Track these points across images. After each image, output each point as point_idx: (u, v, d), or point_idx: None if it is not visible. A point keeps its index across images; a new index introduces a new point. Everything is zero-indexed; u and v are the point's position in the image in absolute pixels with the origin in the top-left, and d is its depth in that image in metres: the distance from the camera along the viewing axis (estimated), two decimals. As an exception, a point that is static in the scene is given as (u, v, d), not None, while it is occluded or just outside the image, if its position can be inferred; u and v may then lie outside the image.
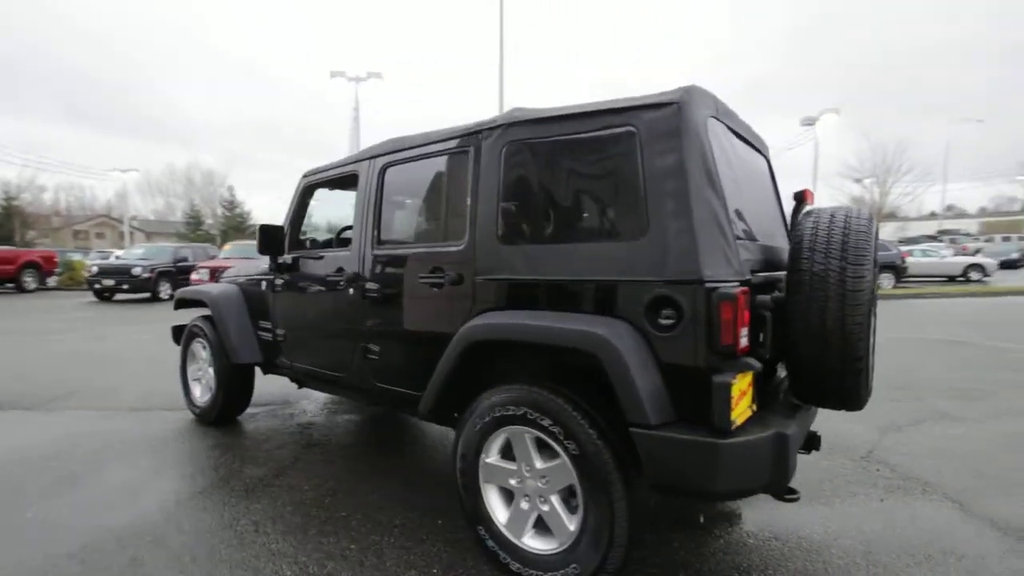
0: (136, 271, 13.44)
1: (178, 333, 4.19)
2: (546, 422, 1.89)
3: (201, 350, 3.95)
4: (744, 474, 1.63)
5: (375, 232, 2.69)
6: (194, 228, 37.48)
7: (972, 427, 3.81)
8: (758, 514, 2.56)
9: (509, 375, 2.12)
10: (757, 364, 1.69)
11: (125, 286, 13.50)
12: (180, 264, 14.18)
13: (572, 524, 1.90)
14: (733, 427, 1.61)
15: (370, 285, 2.67)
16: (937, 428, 3.79)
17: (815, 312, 1.76)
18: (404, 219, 2.80)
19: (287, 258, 3.26)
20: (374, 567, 2.11)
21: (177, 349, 4.16)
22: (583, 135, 1.98)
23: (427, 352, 2.37)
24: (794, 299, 1.80)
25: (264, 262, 3.73)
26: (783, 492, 1.82)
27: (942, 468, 3.08)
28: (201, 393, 3.96)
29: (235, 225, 37.81)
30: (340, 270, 2.87)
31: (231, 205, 39.76)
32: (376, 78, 19.14)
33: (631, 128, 1.86)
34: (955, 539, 2.32)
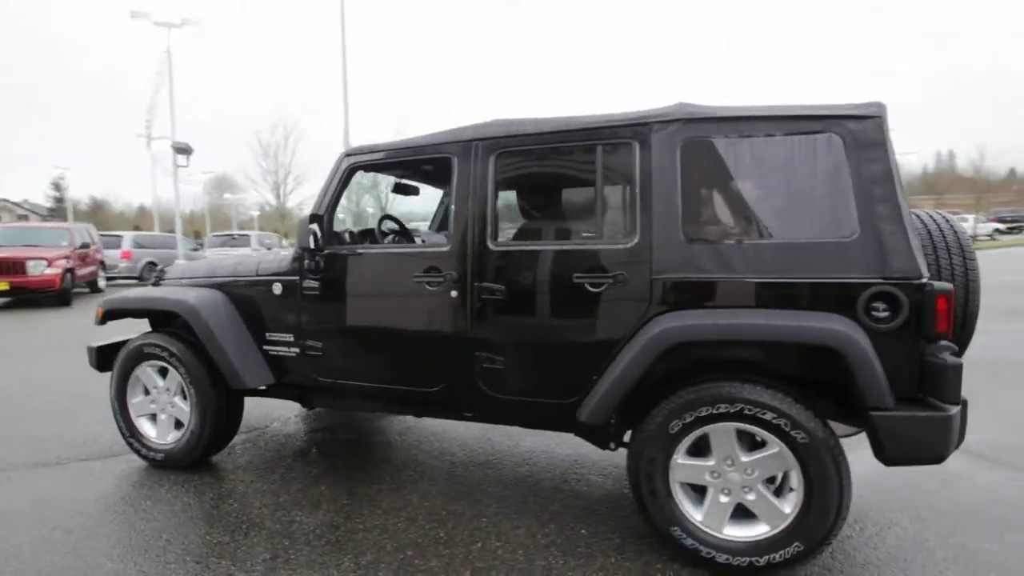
0: None
1: (107, 356, 3.11)
2: (768, 416, 1.97)
3: (157, 377, 3.00)
4: (959, 438, 1.95)
5: (491, 227, 2.38)
6: None
7: None
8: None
9: (678, 376, 2.14)
10: (955, 346, 2.01)
11: None
12: None
13: (787, 507, 2.03)
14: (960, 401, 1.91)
15: (488, 286, 2.37)
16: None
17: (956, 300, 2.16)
18: (531, 213, 2.52)
19: (331, 253, 2.67)
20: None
21: (100, 378, 3.09)
22: (774, 137, 2.06)
23: (579, 358, 2.24)
24: None
25: (249, 258, 3.00)
26: None
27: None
28: (163, 432, 3.01)
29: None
30: (434, 270, 2.47)
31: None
32: (193, 26, 15.92)
33: (835, 135, 2.01)
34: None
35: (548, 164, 2.37)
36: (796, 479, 2.00)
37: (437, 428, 3.67)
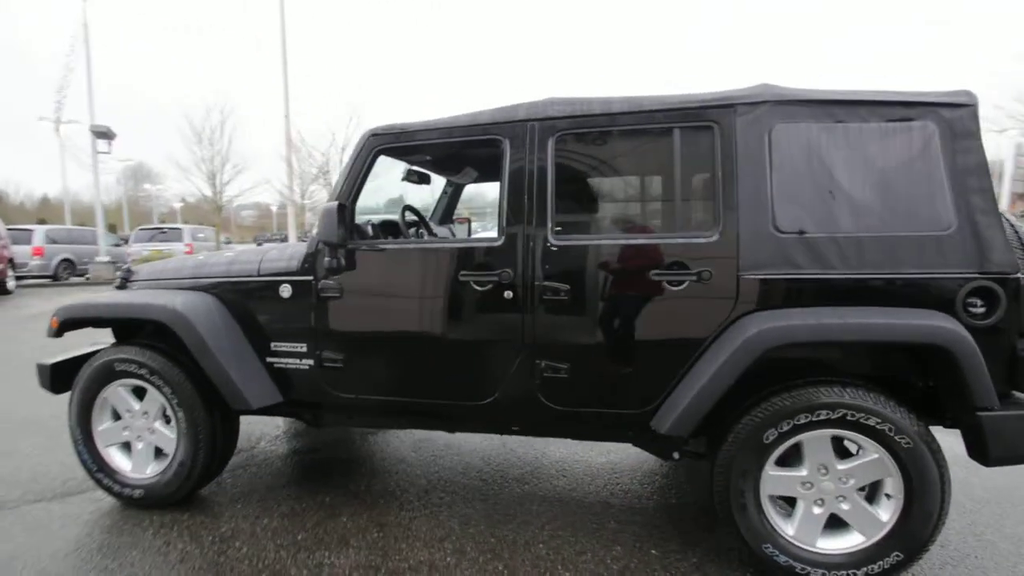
0: None
1: (64, 375, 2.56)
2: (872, 421, 1.85)
3: (131, 398, 2.50)
4: None
5: (551, 219, 2.11)
6: None
7: None
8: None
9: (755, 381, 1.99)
10: None
11: None
12: None
13: (884, 515, 1.92)
14: None
15: (552, 286, 2.10)
16: None
17: None
18: (596, 203, 2.27)
19: (356, 248, 2.30)
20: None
21: (31, 395, 2.55)
22: (868, 123, 1.94)
23: (656, 363, 2.05)
24: None
25: (246, 256, 2.58)
26: None
27: None
28: (140, 464, 2.52)
29: None
30: (484, 268, 2.17)
31: None
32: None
33: (930, 123, 1.91)
34: None
35: (617, 148, 2.14)
36: (894, 485, 1.90)
37: (452, 440, 3.36)
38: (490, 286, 2.16)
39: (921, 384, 2.05)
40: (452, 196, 3.63)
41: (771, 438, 1.92)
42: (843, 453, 1.99)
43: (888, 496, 1.93)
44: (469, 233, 4.00)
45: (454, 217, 3.78)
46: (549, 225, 2.11)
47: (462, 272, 2.19)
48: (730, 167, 1.98)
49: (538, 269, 2.11)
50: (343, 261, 2.29)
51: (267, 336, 2.46)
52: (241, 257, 2.59)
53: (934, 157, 1.90)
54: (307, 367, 2.42)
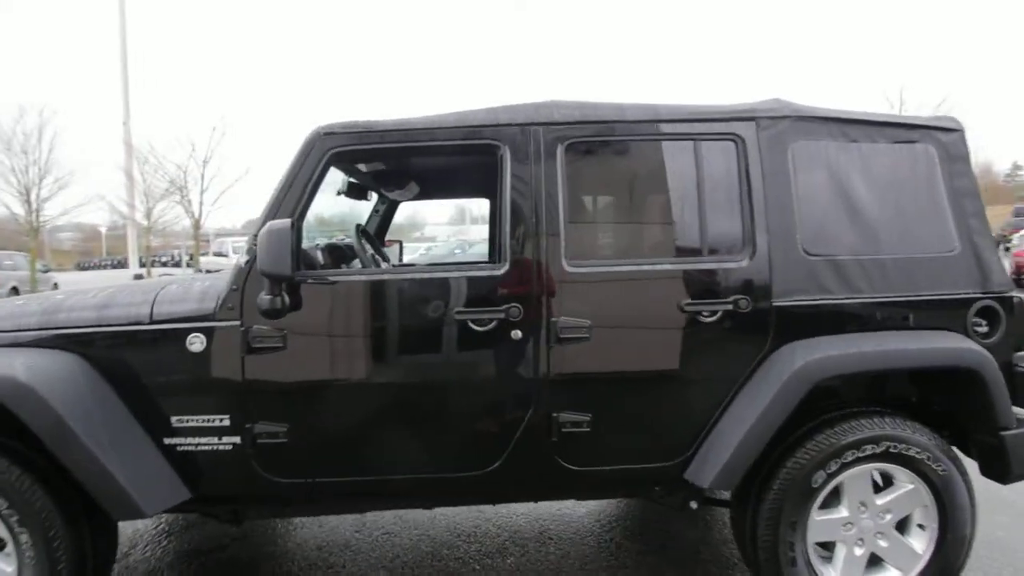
0: None
1: None
2: (913, 451, 1.77)
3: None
4: None
5: (565, 242, 1.76)
6: None
7: None
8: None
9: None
10: None
11: None
12: None
13: (919, 546, 1.85)
14: None
15: (570, 322, 1.74)
16: None
17: None
18: (613, 222, 1.94)
19: (304, 280, 1.72)
20: None
21: None
22: (877, 144, 1.93)
23: (690, 406, 1.82)
24: None
25: (127, 293, 1.88)
26: None
27: None
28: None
29: None
30: (485, 302, 1.74)
31: None
32: None
33: (930, 146, 1.93)
34: None
35: (633, 160, 1.86)
36: (926, 515, 1.84)
37: (409, 517, 2.72)
38: (493, 325, 1.74)
39: (939, 407, 2.04)
40: (385, 215, 3.10)
41: (819, 481, 1.76)
42: (878, 486, 1.89)
43: (921, 527, 1.86)
44: (400, 258, 3.47)
45: (385, 240, 3.25)
46: (563, 248, 1.76)
47: (457, 310, 1.73)
48: (756, 185, 1.82)
49: (553, 302, 1.75)
50: (287, 299, 1.70)
51: (166, 408, 1.75)
52: (120, 297, 1.84)
53: (936, 180, 1.94)
54: (230, 447, 1.75)
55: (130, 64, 14.53)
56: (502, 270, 1.76)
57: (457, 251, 16.36)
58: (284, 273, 1.59)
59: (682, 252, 1.85)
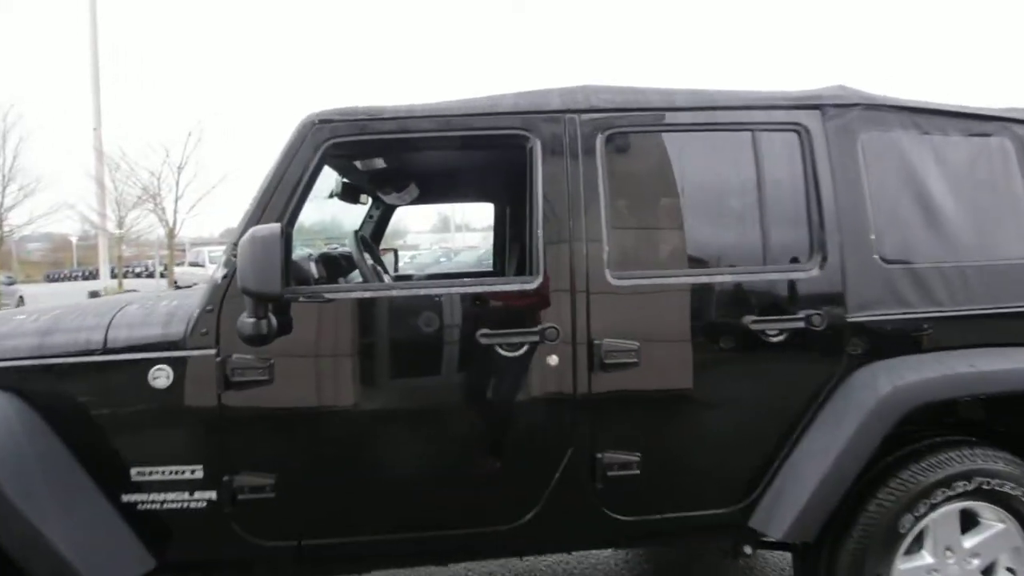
0: None
1: None
2: (1007, 487, 1.54)
3: None
4: None
5: (608, 249, 1.49)
6: None
7: None
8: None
9: None
10: None
11: None
12: None
13: (1009, 593, 1.62)
14: None
15: (616, 345, 1.47)
16: None
17: None
18: (661, 226, 1.66)
19: (296, 298, 1.42)
20: None
21: None
22: (949, 136, 1.71)
23: (755, 442, 1.56)
24: None
25: (76, 314, 1.56)
26: None
27: None
28: None
29: None
30: (514, 322, 1.46)
31: None
32: None
33: (1006, 140, 1.73)
34: None
35: (684, 154, 1.60)
36: (1017, 558, 1.60)
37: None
38: (525, 349, 1.46)
39: (1006, 428, 1.82)
40: (380, 221, 2.80)
41: (907, 526, 1.52)
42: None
43: (1011, 571, 1.63)
44: (396, 267, 3.16)
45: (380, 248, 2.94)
46: (605, 257, 1.49)
47: (482, 332, 1.44)
48: (826, 182, 1.58)
49: (595, 320, 1.47)
50: (274, 322, 1.39)
51: (124, 458, 1.43)
52: (68, 320, 1.52)
53: (1014, 176, 1.72)
54: (204, 504, 1.43)
55: (101, 66, 13.89)
56: (535, 283, 1.48)
57: (442, 259, 16.03)
58: (271, 291, 1.29)
59: (743, 260, 1.60)
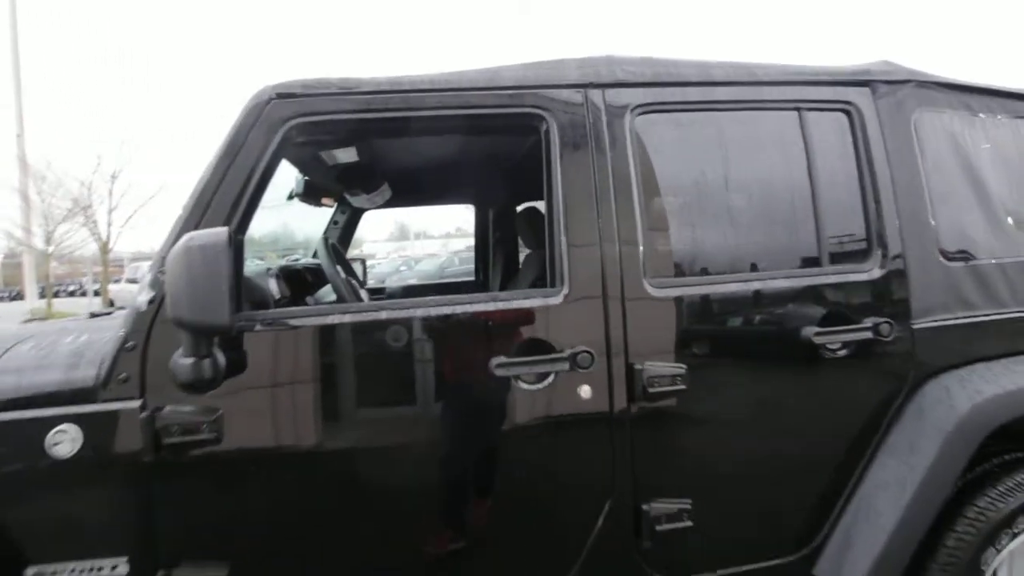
0: None
1: None
2: (1092, 511, 1.36)
3: None
4: None
5: (644, 253, 1.23)
6: None
7: None
8: None
9: None
10: None
11: None
12: None
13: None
14: None
15: (660, 370, 1.20)
16: None
17: None
18: (703, 222, 1.39)
19: (249, 325, 1.08)
20: None
21: None
22: (997, 117, 1.55)
23: (818, 477, 1.33)
24: None
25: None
26: None
27: None
28: None
29: None
30: (537, 346, 1.17)
31: None
32: None
33: None
34: None
35: (724, 136, 1.36)
36: None
37: None
38: (551, 380, 1.17)
39: None
40: (347, 226, 2.45)
41: (989, 561, 1.30)
42: None
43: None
44: (364, 277, 2.80)
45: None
46: (642, 263, 1.23)
47: (497, 361, 1.14)
48: (882, 168, 1.37)
49: (633, 340, 1.20)
50: (220, 360, 1.04)
51: (16, 550, 1.04)
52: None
53: None
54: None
55: (22, 66, 12.71)
56: (559, 296, 1.19)
57: (403, 268, 15.49)
58: (216, 321, 0.94)
59: (796, 262, 1.36)
